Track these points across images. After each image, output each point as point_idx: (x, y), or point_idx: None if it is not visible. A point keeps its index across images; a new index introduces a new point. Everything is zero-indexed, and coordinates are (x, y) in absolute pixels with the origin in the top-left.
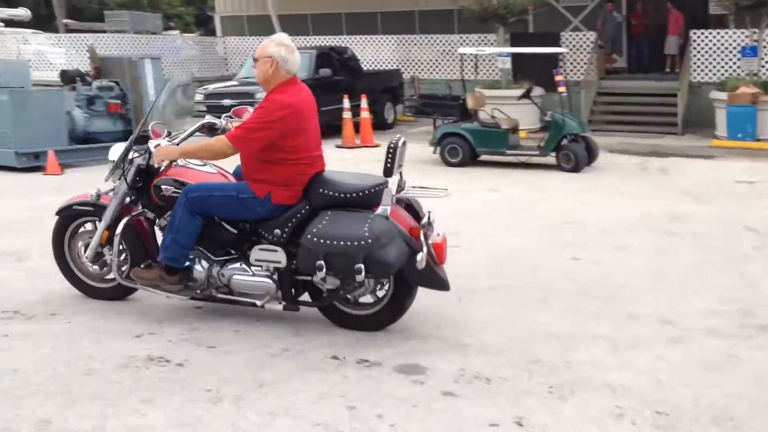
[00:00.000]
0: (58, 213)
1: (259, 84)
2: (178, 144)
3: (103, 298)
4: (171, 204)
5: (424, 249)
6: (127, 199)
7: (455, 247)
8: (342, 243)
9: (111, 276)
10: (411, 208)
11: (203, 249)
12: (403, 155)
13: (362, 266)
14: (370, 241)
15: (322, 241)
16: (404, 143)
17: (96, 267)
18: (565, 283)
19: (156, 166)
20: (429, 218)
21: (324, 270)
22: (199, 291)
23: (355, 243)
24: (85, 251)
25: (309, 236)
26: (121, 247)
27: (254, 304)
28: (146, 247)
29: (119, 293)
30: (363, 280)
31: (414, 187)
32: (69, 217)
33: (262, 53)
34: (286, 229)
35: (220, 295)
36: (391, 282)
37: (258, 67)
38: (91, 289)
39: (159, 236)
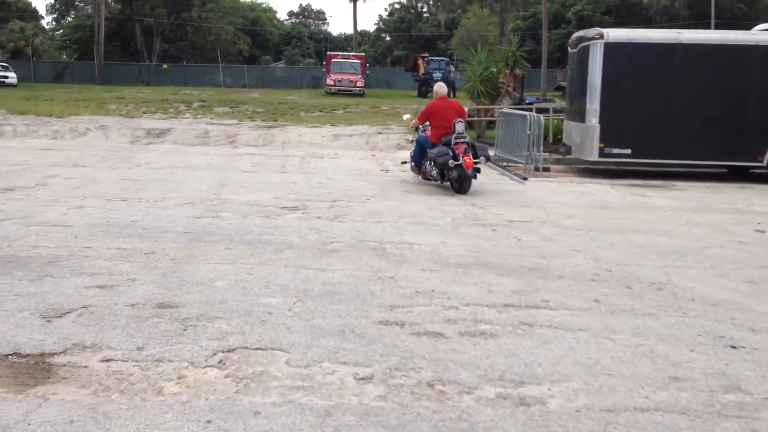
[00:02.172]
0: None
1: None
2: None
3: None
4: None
5: (460, 161)
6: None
7: None
8: (431, 154)
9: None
10: (470, 145)
11: (428, 161)
12: (459, 127)
13: (433, 163)
14: (434, 154)
15: (430, 154)
16: (460, 121)
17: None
18: None
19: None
20: (473, 149)
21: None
22: (424, 176)
23: (432, 154)
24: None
25: (430, 153)
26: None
27: (434, 181)
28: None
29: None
30: (452, 171)
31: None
32: None
33: (434, 90)
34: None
35: (428, 179)
36: (456, 173)
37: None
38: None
39: None
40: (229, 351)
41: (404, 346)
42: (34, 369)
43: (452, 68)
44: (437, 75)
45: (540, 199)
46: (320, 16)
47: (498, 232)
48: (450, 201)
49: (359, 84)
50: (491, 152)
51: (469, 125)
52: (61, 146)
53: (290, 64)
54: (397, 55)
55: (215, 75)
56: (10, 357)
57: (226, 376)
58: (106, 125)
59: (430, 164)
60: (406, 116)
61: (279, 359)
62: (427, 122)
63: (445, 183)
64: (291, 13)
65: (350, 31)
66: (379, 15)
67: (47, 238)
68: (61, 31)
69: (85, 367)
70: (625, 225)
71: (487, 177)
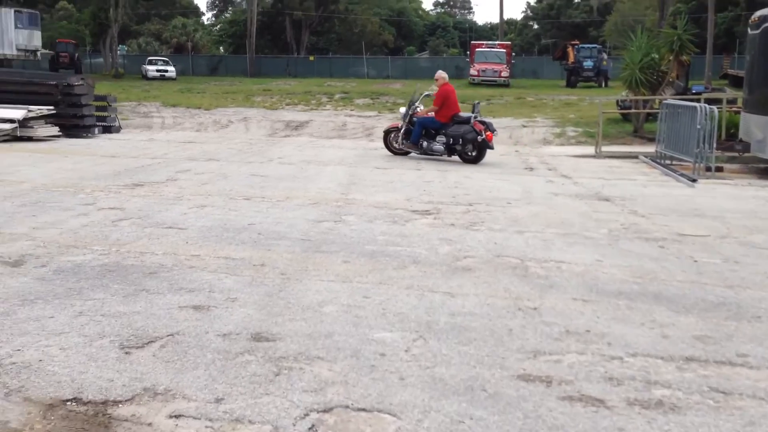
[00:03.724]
0: (384, 131)
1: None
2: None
3: (400, 154)
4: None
5: (482, 136)
6: (406, 123)
7: None
8: (454, 133)
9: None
10: (484, 123)
11: (425, 136)
12: (478, 108)
13: (460, 140)
14: (461, 131)
15: (450, 132)
16: (478, 103)
17: (396, 145)
18: None
19: (412, 114)
20: (488, 126)
21: (450, 143)
22: (422, 151)
23: (457, 131)
24: (395, 140)
25: (449, 131)
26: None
27: (437, 154)
28: (407, 135)
29: (406, 152)
30: (467, 145)
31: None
32: (388, 132)
33: (437, 77)
34: (443, 130)
35: (429, 153)
36: (477, 147)
37: (437, 79)
38: (393, 151)
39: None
40: (325, 411)
41: (551, 419)
42: (90, 423)
43: (605, 56)
44: (588, 63)
45: (715, 207)
46: (465, 5)
47: (667, 250)
48: (605, 207)
49: (504, 74)
50: (652, 148)
51: (625, 117)
52: (202, 139)
53: (434, 54)
54: (545, 43)
55: (359, 66)
56: (69, 404)
57: None
58: (248, 117)
59: (445, 140)
60: (401, 109)
61: (386, 428)
62: (419, 106)
63: (452, 156)
64: (436, 3)
65: (496, 19)
66: (527, 2)
67: (157, 243)
68: (218, 26)
69: (149, 424)
70: None
71: (647, 177)
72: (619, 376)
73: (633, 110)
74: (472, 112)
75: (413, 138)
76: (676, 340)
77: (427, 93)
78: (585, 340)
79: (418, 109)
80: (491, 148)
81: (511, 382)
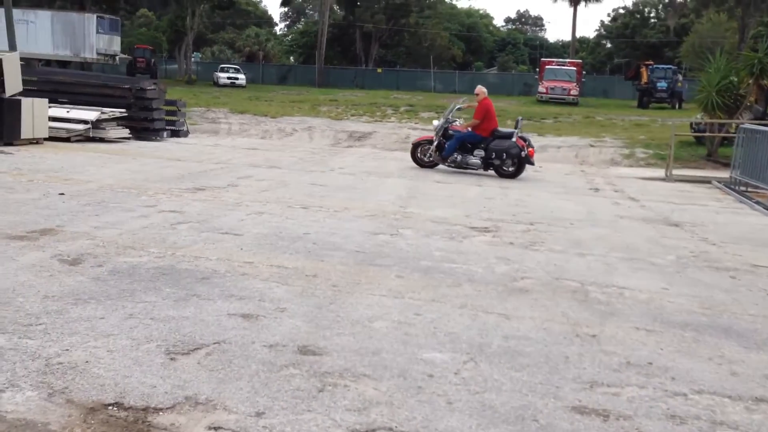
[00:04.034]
0: (413, 144)
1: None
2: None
3: (427, 166)
4: (450, 138)
5: (525, 152)
6: (439, 137)
7: None
8: (496, 147)
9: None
10: (524, 139)
11: (460, 150)
12: (520, 124)
13: (504, 155)
14: (506, 146)
15: (492, 146)
16: (521, 119)
17: (425, 158)
18: None
19: (447, 127)
20: (528, 142)
21: (491, 157)
22: (456, 165)
23: (502, 146)
24: (423, 154)
25: (491, 145)
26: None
27: (473, 168)
28: (440, 149)
29: (433, 165)
30: (507, 160)
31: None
32: (417, 144)
33: (478, 91)
34: (482, 144)
35: (464, 166)
36: (517, 162)
37: (477, 94)
38: (421, 164)
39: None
40: None
41: None
42: (130, 430)
43: (680, 77)
44: (662, 84)
45: None
46: (537, 22)
47: (739, 281)
48: (673, 232)
49: (573, 92)
50: (726, 173)
51: (698, 141)
52: (266, 146)
53: (502, 70)
54: (617, 62)
55: (426, 80)
56: (110, 408)
57: None
58: (313, 126)
59: (484, 154)
60: (435, 122)
61: None
62: (454, 119)
63: (488, 171)
64: (508, 19)
65: (568, 37)
66: (601, 21)
67: (213, 248)
68: (290, 36)
69: None
70: None
71: (720, 204)
72: (682, 414)
73: (707, 134)
74: (515, 128)
75: (447, 151)
76: (745, 378)
77: (459, 106)
78: (646, 373)
79: (456, 123)
80: (532, 164)
81: (565, 413)
